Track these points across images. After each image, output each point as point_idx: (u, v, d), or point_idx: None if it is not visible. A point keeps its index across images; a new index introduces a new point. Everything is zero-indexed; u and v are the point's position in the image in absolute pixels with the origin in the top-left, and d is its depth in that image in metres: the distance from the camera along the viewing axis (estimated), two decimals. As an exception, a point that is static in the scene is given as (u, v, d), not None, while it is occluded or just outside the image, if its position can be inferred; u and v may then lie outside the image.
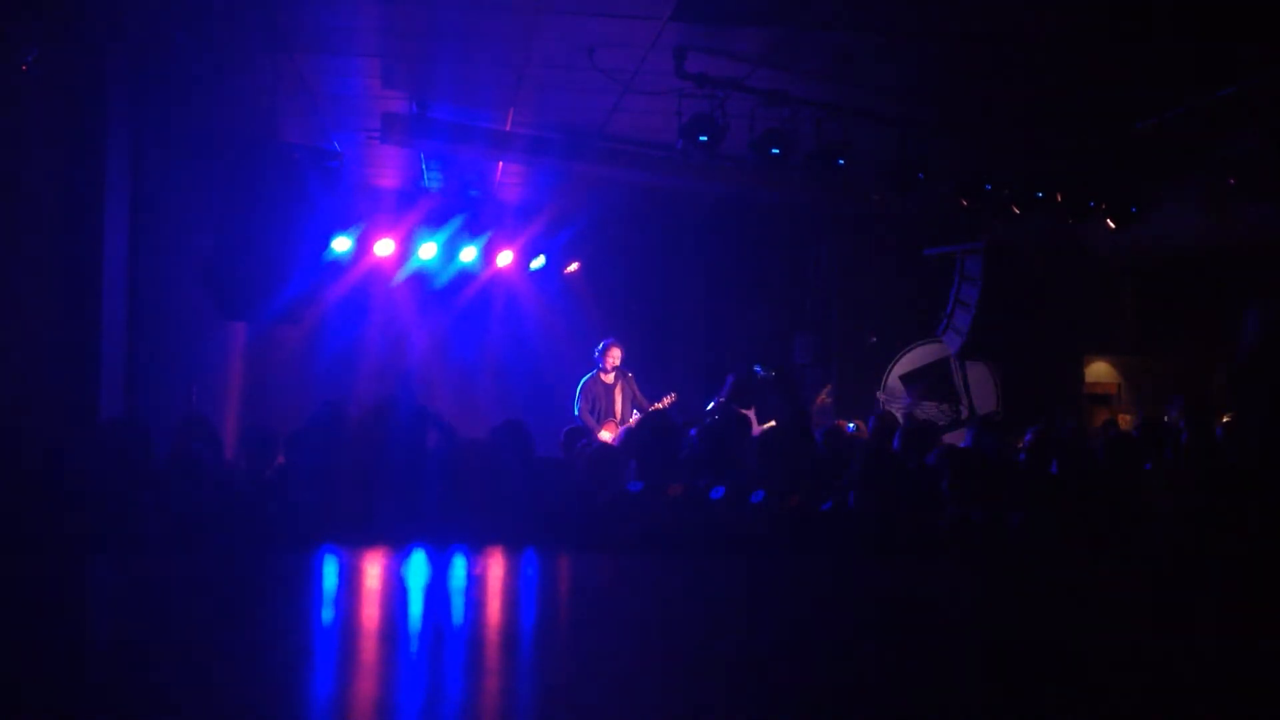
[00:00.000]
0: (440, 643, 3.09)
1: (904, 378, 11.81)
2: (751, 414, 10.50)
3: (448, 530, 4.91)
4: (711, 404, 10.43)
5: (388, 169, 11.17)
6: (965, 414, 11.65)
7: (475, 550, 4.57)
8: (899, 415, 10.75)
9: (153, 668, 2.69)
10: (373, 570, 4.29)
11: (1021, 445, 6.95)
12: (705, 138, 7.82)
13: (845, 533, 5.40)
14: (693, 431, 8.28)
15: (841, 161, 8.33)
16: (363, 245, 11.29)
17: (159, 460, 5.57)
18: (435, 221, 11.65)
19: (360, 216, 11.21)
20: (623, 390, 10.47)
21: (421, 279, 12.14)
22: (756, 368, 10.97)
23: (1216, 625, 3.47)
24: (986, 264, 10.89)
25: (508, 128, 9.44)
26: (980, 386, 11.80)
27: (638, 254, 12.54)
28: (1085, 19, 6.88)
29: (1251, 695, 2.68)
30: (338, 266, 11.09)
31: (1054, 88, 8.06)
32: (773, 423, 9.84)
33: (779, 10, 6.97)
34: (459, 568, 4.28)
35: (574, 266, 12.40)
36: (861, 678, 2.83)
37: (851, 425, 9.11)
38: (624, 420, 10.30)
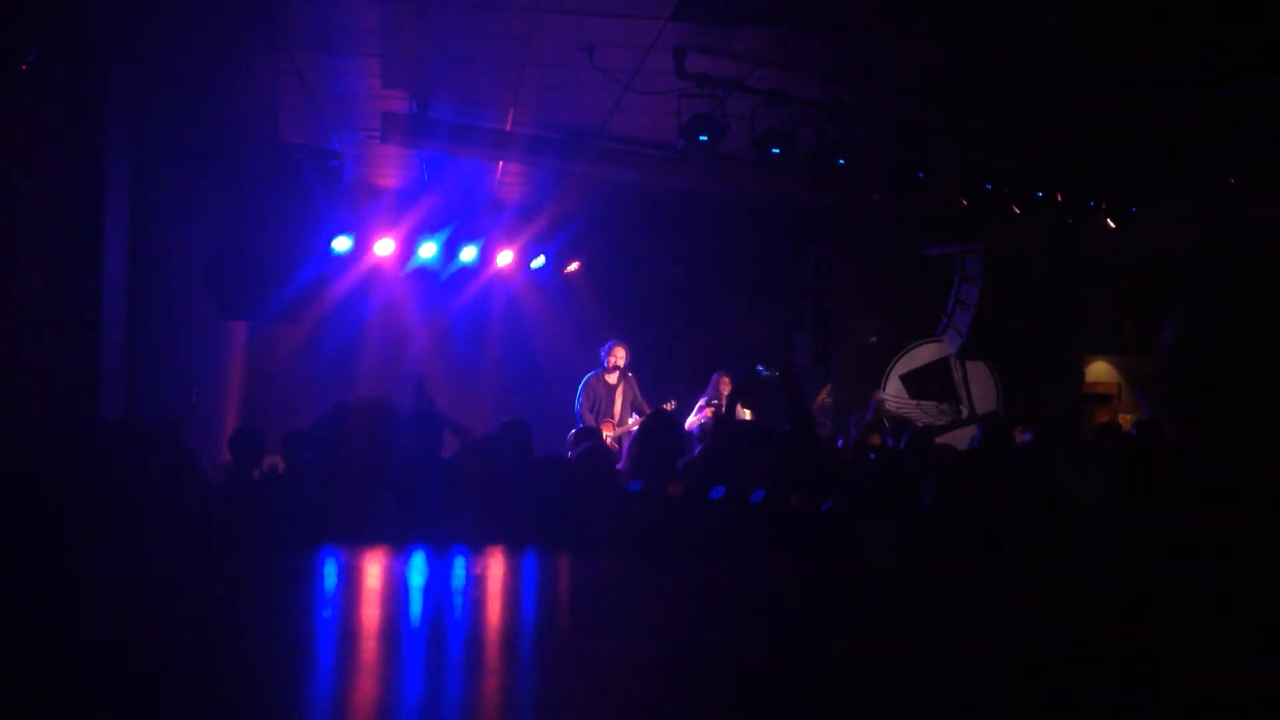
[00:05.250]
0: (440, 643, 3.09)
1: (904, 378, 11.82)
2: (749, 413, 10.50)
3: (448, 530, 4.91)
4: (695, 413, 10.42)
5: (388, 169, 11.16)
6: (965, 414, 11.66)
7: (475, 550, 4.56)
8: (895, 415, 10.75)
9: (152, 668, 2.69)
10: (373, 570, 4.28)
11: (1021, 445, 6.96)
12: (705, 138, 7.81)
13: (844, 532, 5.40)
14: (695, 430, 8.26)
15: (841, 161, 8.33)
16: (363, 245, 11.28)
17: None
18: (435, 221, 11.64)
19: (360, 216, 11.20)
20: (624, 392, 10.47)
21: (422, 278, 12.14)
22: (760, 368, 10.96)
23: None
24: (986, 264, 10.89)
25: (508, 128, 9.44)
26: (980, 386, 11.81)
27: (638, 254, 12.54)
28: (1086, 18, 6.88)
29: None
30: (338, 266, 11.08)
31: (1054, 88, 8.05)
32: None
33: (779, 10, 6.96)
34: (459, 568, 4.28)
35: (574, 266, 12.39)
36: (861, 677, 2.83)
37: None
38: (622, 421, 10.29)
